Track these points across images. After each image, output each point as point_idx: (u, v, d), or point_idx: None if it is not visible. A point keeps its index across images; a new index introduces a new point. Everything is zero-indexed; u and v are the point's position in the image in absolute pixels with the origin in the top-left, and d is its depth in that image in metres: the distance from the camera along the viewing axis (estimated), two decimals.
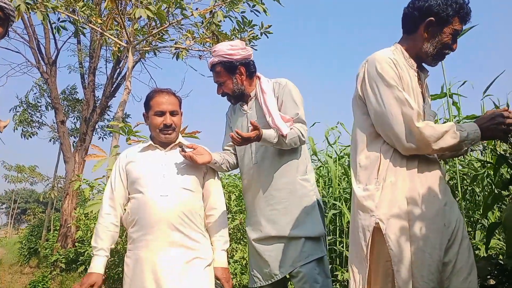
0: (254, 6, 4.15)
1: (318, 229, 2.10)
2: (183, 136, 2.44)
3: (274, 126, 2.05)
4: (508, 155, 1.80)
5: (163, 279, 1.81)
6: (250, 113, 2.27)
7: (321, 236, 2.12)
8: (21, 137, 10.23)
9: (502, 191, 2.22)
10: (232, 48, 2.20)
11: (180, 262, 1.86)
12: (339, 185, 4.05)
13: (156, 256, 1.85)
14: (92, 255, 1.94)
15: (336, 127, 4.34)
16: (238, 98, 2.28)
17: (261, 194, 2.16)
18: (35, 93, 10.28)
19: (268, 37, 4.50)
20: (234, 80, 2.23)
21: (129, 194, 2.01)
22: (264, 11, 4.18)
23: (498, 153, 1.86)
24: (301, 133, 2.09)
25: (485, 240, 2.36)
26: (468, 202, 3.21)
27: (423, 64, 1.70)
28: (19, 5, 3.41)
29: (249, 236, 2.21)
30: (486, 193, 2.86)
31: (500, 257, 2.51)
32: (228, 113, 2.46)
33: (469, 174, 3.01)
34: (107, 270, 4.29)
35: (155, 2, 3.80)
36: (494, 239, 2.64)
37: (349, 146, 4.31)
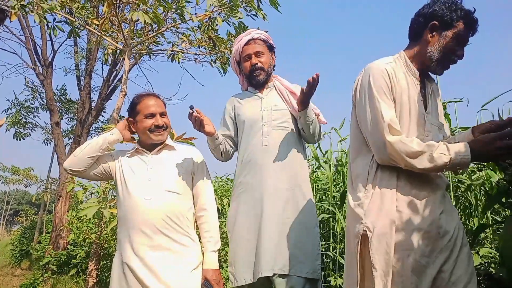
0: (251, 11, 4.15)
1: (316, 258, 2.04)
2: (179, 141, 2.43)
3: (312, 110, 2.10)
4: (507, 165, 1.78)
5: (147, 281, 1.80)
6: (265, 99, 2.24)
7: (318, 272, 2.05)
8: (14, 139, 10.15)
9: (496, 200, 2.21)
10: (268, 36, 2.28)
11: (165, 265, 1.84)
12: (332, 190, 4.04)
13: (140, 259, 1.84)
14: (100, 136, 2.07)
15: (330, 132, 4.35)
16: (266, 79, 2.26)
17: (271, 191, 2.08)
18: (27, 95, 10.20)
19: None
20: (271, 59, 2.28)
21: (116, 194, 2.04)
22: (263, 16, 4.19)
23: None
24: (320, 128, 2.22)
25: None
26: (462, 210, 3.22)
27: (430, 72, 1.70)
28: (15, 5, 3.40)
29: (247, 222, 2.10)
30: (480, 200, 2.87)
31: (492, 265, 2.51)
32: (227, 105, 2.36)
33: (465, 183, 3.01)
34: (99, 273, 4.26)
35: (152, 6, 3.80)
36: (486, 247, 2.65)
37: (342, 151, 4.32)
